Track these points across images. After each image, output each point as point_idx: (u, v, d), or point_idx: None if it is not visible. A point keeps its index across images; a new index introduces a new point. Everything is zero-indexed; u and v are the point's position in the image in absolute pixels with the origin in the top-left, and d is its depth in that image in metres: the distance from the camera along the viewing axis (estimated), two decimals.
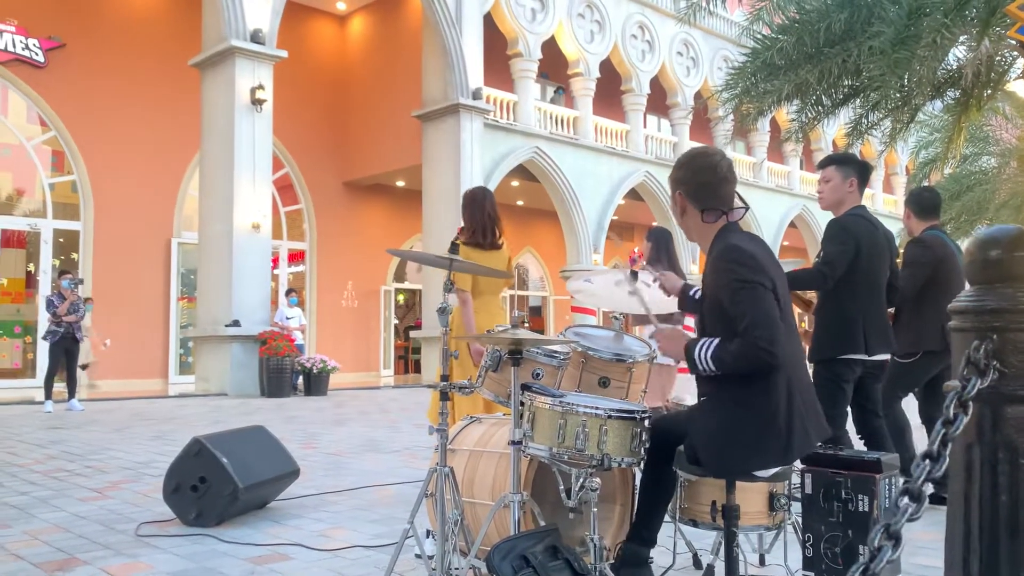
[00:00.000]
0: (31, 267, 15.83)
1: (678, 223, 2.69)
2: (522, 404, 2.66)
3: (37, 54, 15.61)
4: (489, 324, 4.39)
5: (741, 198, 2.65)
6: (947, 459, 1.08)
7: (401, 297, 21.87)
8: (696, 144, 21.57)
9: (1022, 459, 1.20)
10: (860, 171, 4.17)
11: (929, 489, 1.10)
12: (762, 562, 3.10)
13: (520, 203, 22.06)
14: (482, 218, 4.44)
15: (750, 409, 2.39)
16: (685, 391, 5.48)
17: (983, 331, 1.21)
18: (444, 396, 2.85)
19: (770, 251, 2.57)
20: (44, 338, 11.07)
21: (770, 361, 2.32)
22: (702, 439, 2.45)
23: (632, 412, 2.58)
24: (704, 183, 2.59)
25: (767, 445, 2.37)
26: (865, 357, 3.93)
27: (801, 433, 2.39)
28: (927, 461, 1.08)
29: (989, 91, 7.35)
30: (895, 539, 1.00)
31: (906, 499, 1.05)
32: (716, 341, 2.42)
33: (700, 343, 2.46)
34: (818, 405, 2.53)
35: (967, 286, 1.42)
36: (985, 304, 1.24)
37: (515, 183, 19.86)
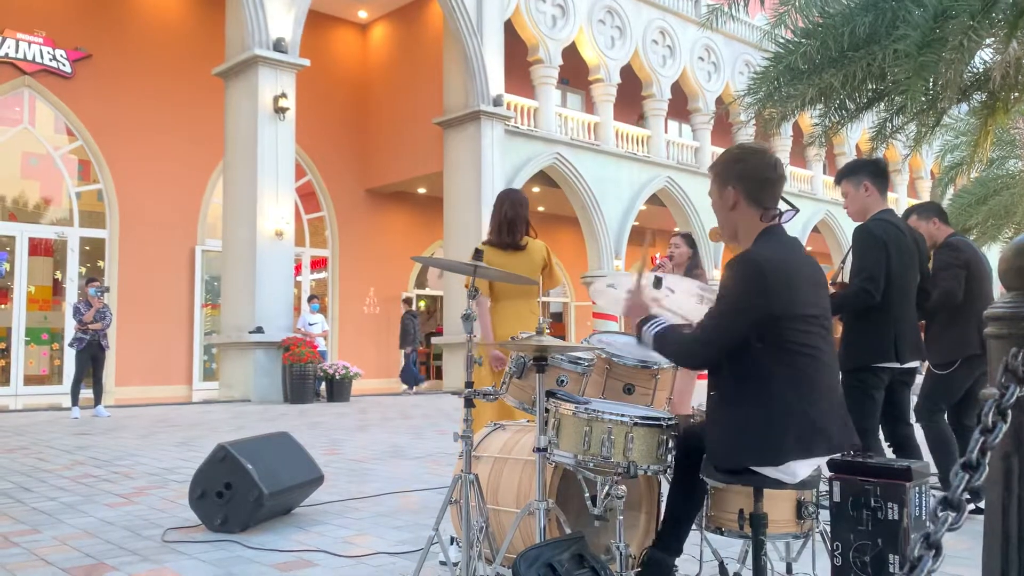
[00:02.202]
0: (58, 275, 16.04)
1: (721, 215, 2.58)
2: (547, 411, 2.65)
3: (64, 65, 15.83)
4: (515, 330, 4.35)
5: (788, 202, 2.55)
6: (987, 468, 1.06)
7: (423, 304, 21.93)
8: (719, 149, 21.38)
9: None
10: (871, 173, 4.07)
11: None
12: (789, 571, 3.06)
13: (541, 209, 22.07)
14: (499, 218, 4.46)
15: (741, 406, 2.40)
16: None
17: (1021, 338, 1.19)
18: (468, 403, 2.85)
19: (800, 260, 2.47)
20: (70, 345, 11.20)
21: (695, 353, 2.48)
22: (708, 439, 2.48)
23: (658, 419, 2.56)
24: (765, 179, 2.49)
25: (756, 442, 2.35)
26: (897, 365, 3.87)
27: (795, 436, 2.34)
28: (966, 471, 1.07)
29: (1017, 93, 7.27)
30: (935, 549, 0.98)
31: (945, 508, 1.03)
32: (669, 324, 2.59)
33: (655, 319, 2.62)
34: (840, 413, 2.46)
35: (999, 291, 1.40)
36: (1023, 310, 1.22)
37: (536, 189, 19.87)
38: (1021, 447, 1.16)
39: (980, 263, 4.59)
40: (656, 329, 2.57)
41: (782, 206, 2.55)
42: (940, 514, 1.02)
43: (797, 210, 2.57)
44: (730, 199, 2.51)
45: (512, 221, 4.43)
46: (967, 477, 1.05)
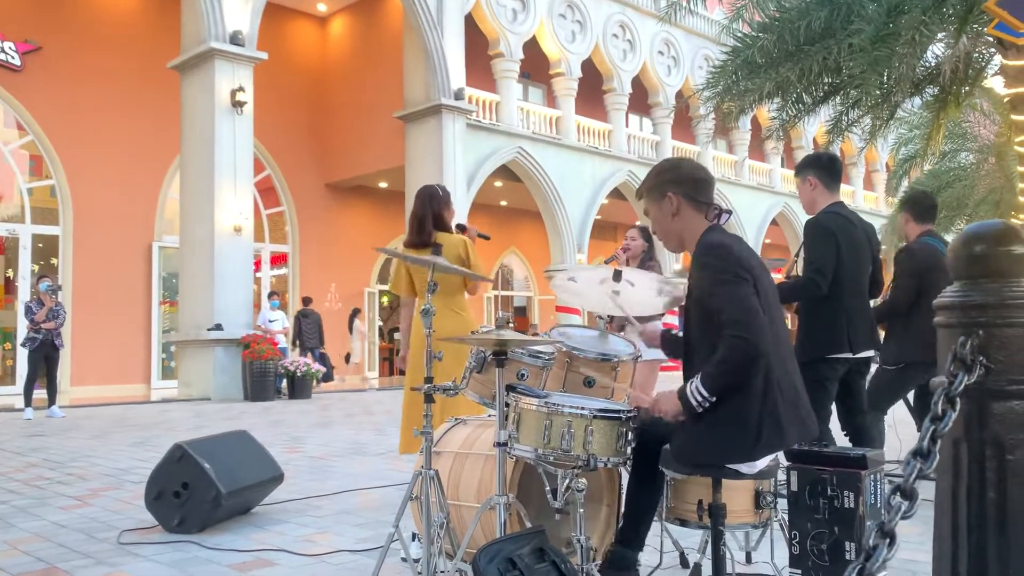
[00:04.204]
0: (10, 273, 15.65)
1: (664, 227, 2.63)
2: (507, 405, 2.64)
3: (13, 58, 15.44)
4: (434, 328, 4.20)
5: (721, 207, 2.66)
6: (937, 456, 1.07)
7: (385, 299, 21.81)
8: (679, 143, 21.46)
9: (1009, 455, 1.20)
10: (815, 167, 4.14)
11: (919, 485, 1.09)
12: (749, 560, 3.09)
13: (503, 203, 22.04)
14: (411, 217, 4.39)
15: (723, 404, 2.38)
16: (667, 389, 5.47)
17: (969, 327, 1.21)
18: (429, 398, 2.83)
19: (751, 250, 2.56)
20: (23, 345, 10.94)
21: (749, 350, 2.29)
22: (679, 434, 2.46)
23: (617, 412, 2.57)
24: (700, 179, 2.59)
25: (734, 440, 2.36)
26: (850, 355, 3.94)
27: (774, 432, 2.36)
28: (917, 458, 1.08)
29: (967, 88, 7.42)
30: (890, 537, 0.99)
31: (898, 497, 1.04)
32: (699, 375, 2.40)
33: (689, 382, 2.42)
34: (803, 406, 2.51)
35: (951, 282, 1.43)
36: (971, 299, 1.23)
37: (498, 183, 19.84)
38: (970, 434, 1.18)
39: (938, 269, 4.58)
40: (697, 379, 2.37)
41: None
42: (893, 502, 1.02)
43: (730, 212, 2.66)
44: (671, 205, 2.57)
45: (421, 219, 4.32)
46: (918, 465, 1.06)
